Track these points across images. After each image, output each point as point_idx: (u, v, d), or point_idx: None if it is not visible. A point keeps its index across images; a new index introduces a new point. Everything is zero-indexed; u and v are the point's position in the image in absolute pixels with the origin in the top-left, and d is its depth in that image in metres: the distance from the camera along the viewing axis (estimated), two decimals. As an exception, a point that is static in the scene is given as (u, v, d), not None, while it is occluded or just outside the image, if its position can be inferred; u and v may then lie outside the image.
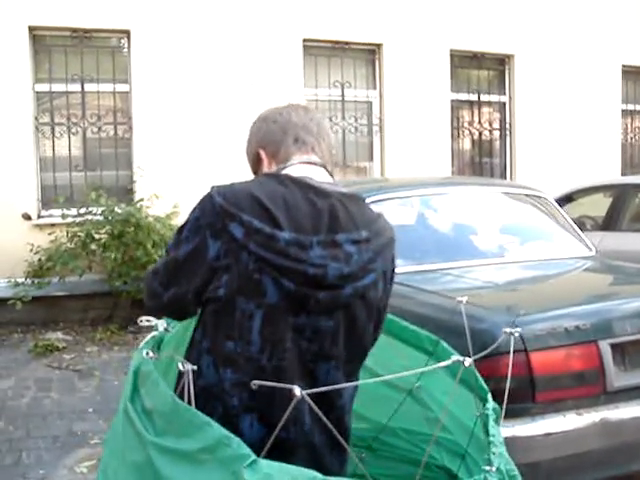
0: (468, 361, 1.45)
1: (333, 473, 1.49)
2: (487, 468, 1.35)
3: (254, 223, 1.44)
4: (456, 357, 1.45)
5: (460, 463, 2.03)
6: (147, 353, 1.62)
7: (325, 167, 1.67)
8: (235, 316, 1.46)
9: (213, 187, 1.51)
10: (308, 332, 1.51)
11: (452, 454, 2.08)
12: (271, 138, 1.67)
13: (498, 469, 1.36)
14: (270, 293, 1.45)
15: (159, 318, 1.88)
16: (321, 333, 1.52)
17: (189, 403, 1.38)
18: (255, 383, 1.33)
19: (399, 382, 2.20)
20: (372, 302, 1.60)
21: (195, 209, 1.52)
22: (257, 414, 1.47)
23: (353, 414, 1.70)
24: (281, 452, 1.39)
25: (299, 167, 1.62)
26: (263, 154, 1.68)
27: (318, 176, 1.61)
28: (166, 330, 1.89)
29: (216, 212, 1.46)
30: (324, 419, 1.26)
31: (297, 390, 1.20)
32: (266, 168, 1.68)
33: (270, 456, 1.22)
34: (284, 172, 1.60)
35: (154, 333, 1.85)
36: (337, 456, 1.57)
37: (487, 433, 1.59)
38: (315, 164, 1.64)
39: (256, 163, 1.72)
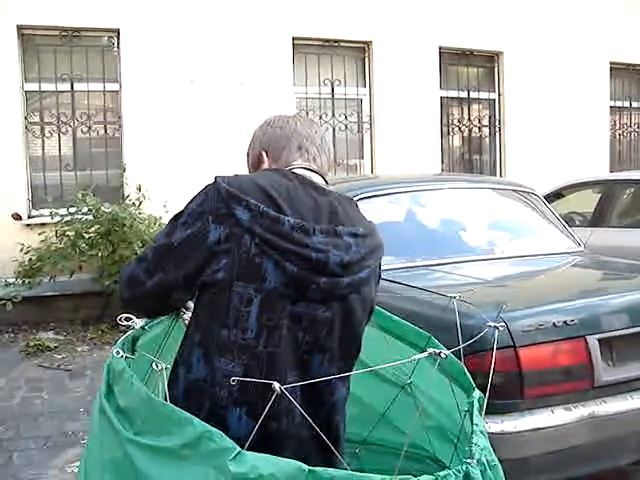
0: (444, 353, 1.49)
1: None
2: (468, 460, 1.37)
3: (260, 207, 1.47)
4: (431, 350, 1.51)
5: (452, 455, 2.05)
6: (117, 352, 1.61)
7: (323, 177, 1.72)
8: (231, 303, 1.47)
9: (217, 177, 1.54)
10: (305, 322, 1.52)
11: (443, 447, 2.11)
12: (275, 142, 1.72)
13: (479, 460, 1.38)
14: (270, 278, 1.47)
15: (138, 317, 1.87)
16: (317, 323, 1.54)
17: (169, 401, 1.39)
18: (234, 379, 1.36)
19: (393, 378, 2.23)
20: (366, 298, 1.63)
21: (197, 197, 1.54)
22: (245, 407, 1.47)
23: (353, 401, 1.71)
24: (270, 444, 1.40)
25: (300, 170, 1.67)
26: (265, 156, 1.72)
27: (317, 180, 1.67)
28: (143, 328, 1.88)
29: (222, 198, 1.48)
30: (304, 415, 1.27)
31: (276, 385, 1.23)
32: None
33: (258, 448, 1.22)
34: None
35: (131, 331, 1.84)
36: (323, 457, 1.51)
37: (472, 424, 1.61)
38: (315, 172, 1.70)
39: (256, 164, 1.75)
